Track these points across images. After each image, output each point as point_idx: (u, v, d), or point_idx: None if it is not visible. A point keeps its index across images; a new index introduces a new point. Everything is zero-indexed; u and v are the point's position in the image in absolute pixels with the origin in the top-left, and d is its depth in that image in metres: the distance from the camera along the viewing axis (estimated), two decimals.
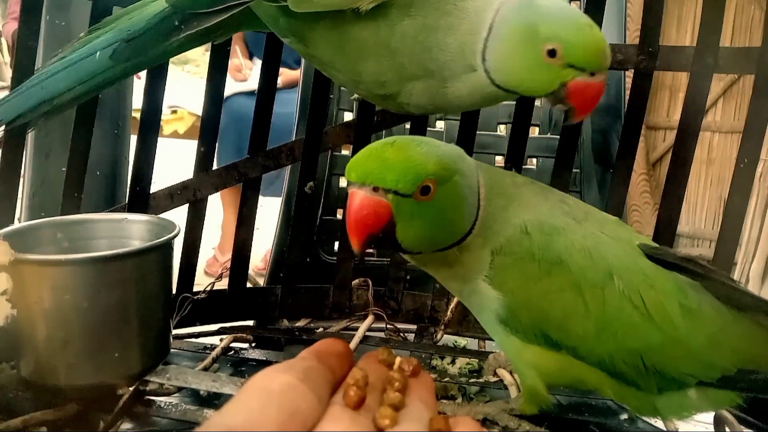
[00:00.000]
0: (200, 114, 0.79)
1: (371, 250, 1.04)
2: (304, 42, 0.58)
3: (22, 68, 0.71)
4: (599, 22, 0.72)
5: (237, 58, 2.44)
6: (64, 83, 0.61)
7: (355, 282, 0.84)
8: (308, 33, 0.57)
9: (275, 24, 0.60)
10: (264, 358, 0.73)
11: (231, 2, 0.54)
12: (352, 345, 0.71)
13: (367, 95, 0.62)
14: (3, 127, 0.63)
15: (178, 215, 0.72)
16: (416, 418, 0.33)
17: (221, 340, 0.75)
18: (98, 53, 0.60)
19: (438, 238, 0.49)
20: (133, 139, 0.80)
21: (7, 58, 3.67)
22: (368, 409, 0.32)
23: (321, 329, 0.82)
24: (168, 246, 0.61)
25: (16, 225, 0.64)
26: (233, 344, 0.75)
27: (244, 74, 2.46)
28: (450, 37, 0.53)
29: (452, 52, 0.53)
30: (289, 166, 0.95)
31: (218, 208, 2.59)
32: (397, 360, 0.39)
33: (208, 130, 0.77)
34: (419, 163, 0.45)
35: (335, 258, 0.85)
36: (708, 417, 0.61)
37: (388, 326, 0.81)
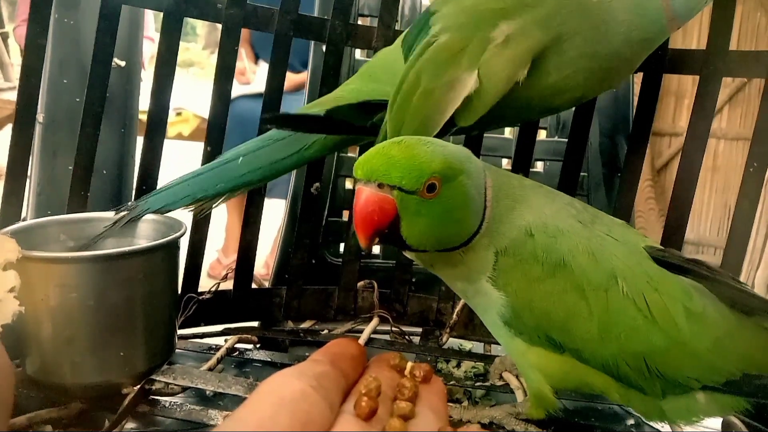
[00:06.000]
0: (205, 116, 0.78)
1: (377, 252, 1.04)
2: (496, 124, 0.62)
3: (31, 66, 0.71)
4: None
5: (241, 61, 2.44)
6: (208, 183, 0.66)
7: (360, 284, 0.84)
8: (497, 116, 0.57)
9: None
10: (268, 359, 0.73)
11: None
12: None
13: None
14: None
15: (184, 215, 0.72)
16: (425, 429, 0.33)
17: (226, 340, 0.75)
18: (240, 159, 0.64)
19: (443, 236, 0.49)
20: (139, 141, 0.80)
21: (14, 60, 3.68)
22: (378, 419, 0.32)
23: (326, 331, 0.82)
24: (174, 245, 0.61)
25: (23, 223, 0.64)
26: (238, 345, 0.75)
27: (248, 78, 2.47)
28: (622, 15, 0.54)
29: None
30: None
31: (222, 211, 2.59)
32: (409, 365, 0.38)
33: (215, 129, 0.77)
34: (424, 161, 0.45)
35: (340, 260, 0.85)
36: (716, 422, 0.60)
37: (394, 329, 0.81)
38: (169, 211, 0.67)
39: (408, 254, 0.53)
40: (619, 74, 0.59)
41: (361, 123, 0.58)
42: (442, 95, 0.53)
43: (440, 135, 0.55)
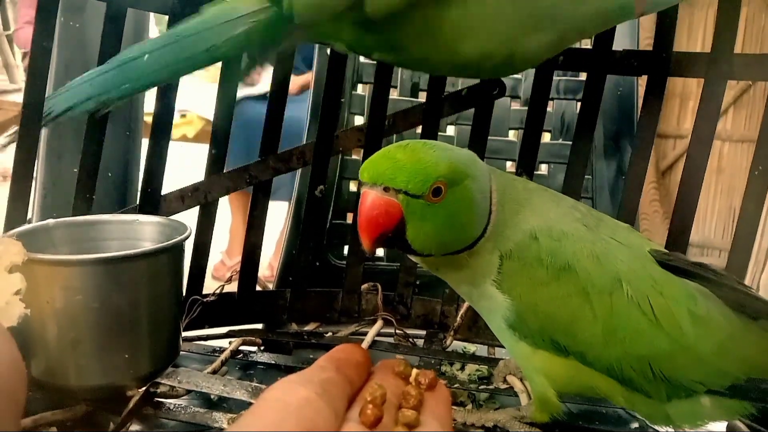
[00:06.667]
0: (209, 118, 0.79)
1: (381, 255, 1.04)
2: (396, 50, 0.58)
3: (37, 69, 0.71)
4: (613, 28, 0.72)
5: None
6: (112, 82, 0.61)
7: (364, 286, 0.84)
8: (398, 38, 0.56)
9: (359, 43, 0.60)
10: (272, 362, 0.73)
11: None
12: None
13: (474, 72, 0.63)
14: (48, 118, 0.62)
15: (189, 217, 0.72)
16: None
17: (230, 343, 0.75)
18: (146, 56, 0.60)
19: (448, 240, 0.49)
20: (144, 142, 0.80)
21: (19, 61, 3.70)
22: (383, 426, 0.32)
23: (330, 333, 0.82)
24: (179, 248, 0.61)
25: (29, 225, 0.64)
26: (242, 347, 0.75)
27: (252, 79, 2.47)
28: None
29: None
30: (300, 170, 0.95)
31: (226, 212, 2.60)
32: (414, 372, 0.38)
33: (219, 132, 0.77)
34: (430, 165, 0.45)
35: (345, 262, 0.85)
36: (721, 426, 0.60)
37: (398, 331, 0.81)
38: (73, 114, 0.63)
39: (412, 257, 0.53)
40: (543, 41, 0.55)
41: None
42: None
43: (341, 17, 0.53)
